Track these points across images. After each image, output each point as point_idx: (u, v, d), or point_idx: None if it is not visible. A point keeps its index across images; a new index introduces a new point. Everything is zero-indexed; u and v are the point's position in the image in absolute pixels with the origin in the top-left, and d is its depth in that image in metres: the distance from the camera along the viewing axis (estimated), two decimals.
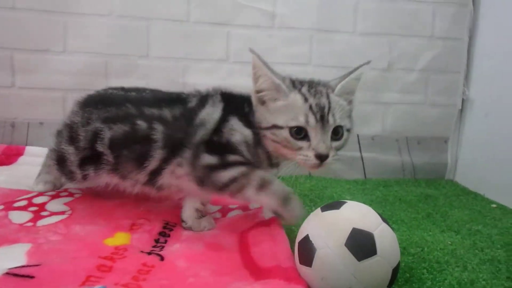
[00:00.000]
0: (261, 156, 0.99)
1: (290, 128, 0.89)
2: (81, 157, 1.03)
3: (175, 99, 1.04)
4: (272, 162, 1.00)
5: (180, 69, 1.54)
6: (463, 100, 1.75)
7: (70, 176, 1.08)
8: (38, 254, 0.80)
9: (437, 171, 1.80)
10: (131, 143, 0.99)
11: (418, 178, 1.78)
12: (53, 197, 1.09)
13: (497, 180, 1.55)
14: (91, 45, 1.50)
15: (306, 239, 0.76)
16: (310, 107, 0.89)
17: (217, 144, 0.95)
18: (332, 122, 0.90)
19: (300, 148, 0.90)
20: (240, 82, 1.57)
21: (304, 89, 0.93)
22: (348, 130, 0.96)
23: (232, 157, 0.95)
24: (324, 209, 0.80)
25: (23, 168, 1.37)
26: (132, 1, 1.51)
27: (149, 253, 0.85)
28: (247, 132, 0.96)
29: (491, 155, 1.59)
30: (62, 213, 1.01)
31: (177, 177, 0.98)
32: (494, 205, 1.49)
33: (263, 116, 0.95)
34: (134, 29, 1.52)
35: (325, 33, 1.62)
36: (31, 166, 1.34)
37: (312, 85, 0.96)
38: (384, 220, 0.79)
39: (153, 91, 1.11)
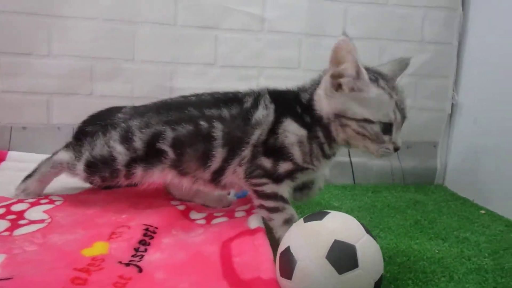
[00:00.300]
0: (315, 151, 1.02)
1: (381, 123, 0.93)
2: (133, 156, 1.07)
3: (232, 99, 1.09)
4: (326, 153, 1.04)
5: (167, 73, 1.52)
6: (452, 105, 1.74)
7: (110, 175, 1.09)
8: (12, 265, 0.78)
9: (426, 176, 1.79)
10: (195, 142, 1.04)
11: (408, 183, 1.77)
12: (33, 204, 1.07)
13: (486, 186, 1.54)
14: (76, 49, 1.48)
15: (287, 250, 0.75)
16: (396, 104, 0.95)
17: (272, 146, 1.01)
18: (407, 117, 0.99)
19: (383, 142, 0.95)
20: (228, 86, 1.56)
21: (383, 83, 0.96)
22: None
23: (284, 165, 1.00)
24: (307, 219, 0.79)
25: (5, 174, 1.34)
26: (118, 4, 1.48)
27: (127, 264, 0.83)
28: (302, 132, 1.00)
29: (480, 160, 1.58)
30: (41, 221, 0.98)
31: (239, 177, 1.04)
32: (483, 211, 1.48)
33: (346, 105, 0.95)
34: (120, 33, 1.49)
35: (314, 37, 1.61)
36: (13, 172, 1.32)
37: (386, 78, 0.99)
38: (368, 231, 0.78)
39: (211, 93, 1.15)
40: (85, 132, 1.17)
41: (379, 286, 0.75)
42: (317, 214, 0.79)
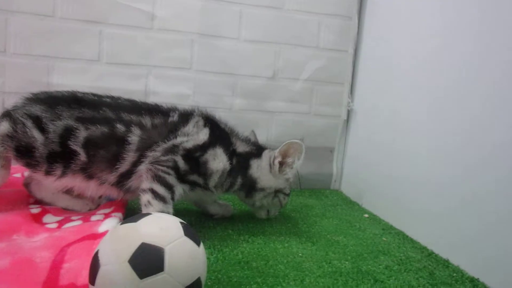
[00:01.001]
0: (224, 186, 1.19)
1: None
2: (50, 150, 1.06)
3: (156, 110, 1.16)
4: (227, 191, 1.23)
5: (43, 68, 1.42)
6: (348, 111, 1.77)
7: (35, 164, 1.08)
8: None
9: (323, 181, 1.81)
10: (107, 144, 1.07)
11: (304, 189, 1.78)
12: None
13: (373, 190, 1.58)
14: None
15: (95, 255, 0.69)
16: None
17: (195, 158, 1.10)
18: None
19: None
20: (114, 85, 1.50)
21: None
22: None
23: (194, 177, 1.11)
24: (123, 222, 0.74)
25: None
26: None
27: None
28: (227, 166, 1.16)
29: (369, 166, 1.62)
30: None
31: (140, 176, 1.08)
32: (366, 215, 1.51)
33: (284, 185, 1.26)
34: None
35: (208, 38, 1.58)
36: None
37: None
38: (190, 233, 0.74)
39: (128, 100, 1.19)
40: None
41: None
42: (136, 216, 0.74)
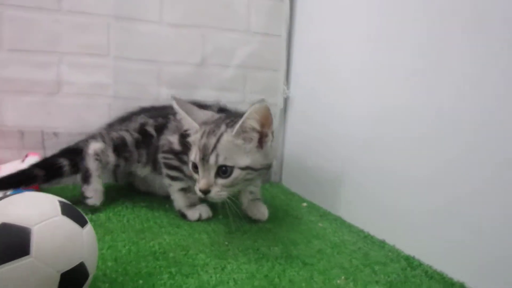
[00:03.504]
0: None
1: (191, 162, 1.02)
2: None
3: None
4: None
5: None
6: (285, 99, 1.70)
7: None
8: None
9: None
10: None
11: None
12: None
13: (311, 179, 1.50)
14: None
15: None
16: (199, 147, 0.99)
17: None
18: (213, 162, 0.96)
19: (196, 180, 1.01)
20: (20, 74, 1.34)
21: (207, 128, 1.01)
22: (244, 168, 0.98)
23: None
24: None
25: None
26: None
27: None
28: None
29: (308, 154, 1.54)
30: None
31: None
32: (304, 204, 1.43)
33: None
34: None
35: (126, 21, 1.45)
36: None
37: (218, 124, 1.02)
38: (70, 213, 0.61)
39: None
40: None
41: (77, 278, 0.58)
42: (3, 196, 0.61)
